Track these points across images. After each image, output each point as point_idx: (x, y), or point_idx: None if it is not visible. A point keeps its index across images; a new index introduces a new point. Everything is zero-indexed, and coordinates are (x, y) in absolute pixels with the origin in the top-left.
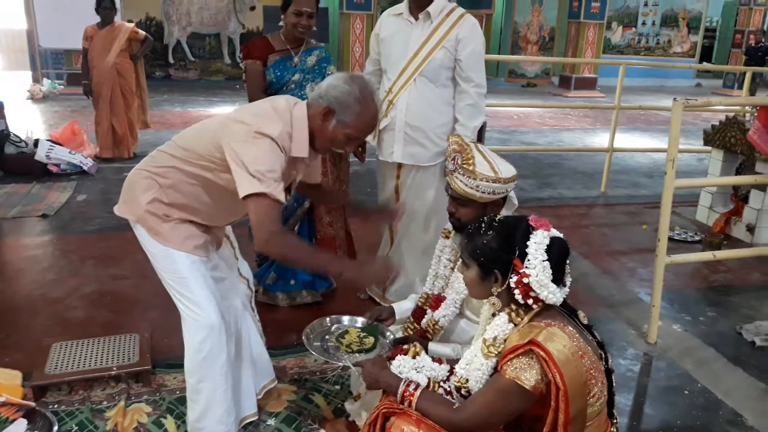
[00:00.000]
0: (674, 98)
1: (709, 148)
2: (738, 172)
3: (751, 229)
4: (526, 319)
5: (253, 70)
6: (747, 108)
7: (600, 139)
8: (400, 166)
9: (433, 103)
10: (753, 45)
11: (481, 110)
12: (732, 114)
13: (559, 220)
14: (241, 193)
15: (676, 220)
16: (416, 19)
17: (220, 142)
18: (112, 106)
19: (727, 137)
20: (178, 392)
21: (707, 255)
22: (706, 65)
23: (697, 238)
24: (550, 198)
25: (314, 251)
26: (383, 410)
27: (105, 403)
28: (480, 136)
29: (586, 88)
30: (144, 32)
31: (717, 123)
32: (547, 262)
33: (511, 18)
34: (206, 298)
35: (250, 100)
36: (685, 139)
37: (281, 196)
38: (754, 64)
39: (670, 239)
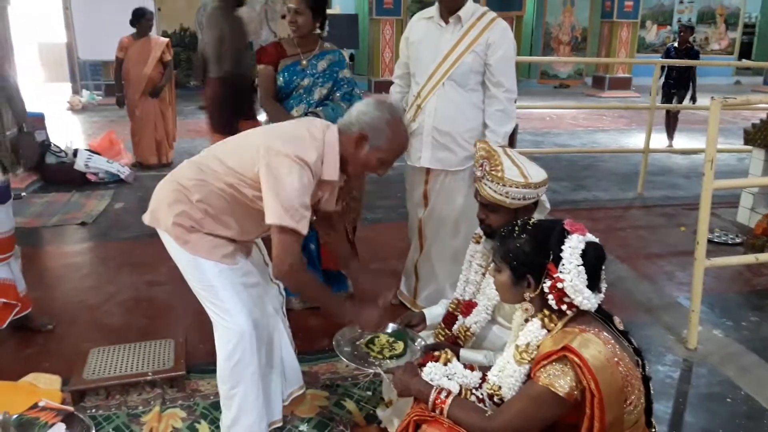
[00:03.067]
0: (712, 97)
1: (749, 147)
2: None
3: None
4: (559, 324)
5: (264, 75)
6: None
7: (635, 140)
8: (428, 171)
9: (461, 108)
10: (675, 45)
11: (512, 115)
12: None
13: (594, 223)
14: (269, 220)
15: (715, 221)
16: (446, 23)
17: (257, 165)
18: (149, 116)
19: None
20: (212, 397)
21: (749, 258)
22: (744, 62)
23: (738, 240)
24: (584, 200)
25: (327, 291)
26: (414, 417)
27: (141, 408)
28: (512, 140)
29: (620, 88)
30: (170, 57)
31: (758, 121)
32: (582, 267)
33: (543, 19)
34: (236, 306)
35: (261, 105)
36: (724, 139)
37: (305, 228)
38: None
39: (710, 241)
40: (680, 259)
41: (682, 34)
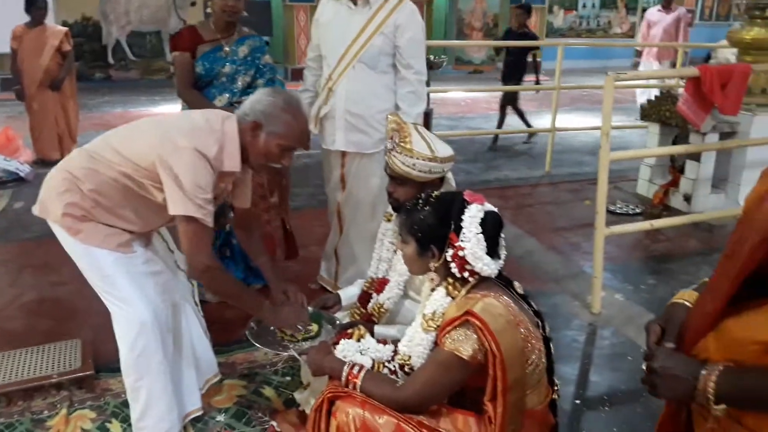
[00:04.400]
0: (606, 73)
1: (646, 123)
2: (674, 145)
3: (687, 198)
4: (463, 291)
5: (180, 63)
6: (680, 81)
7: (545, 121)
8: (344, 154)
9: (373, 90)
10: (513, 28)
11: (422, 97)
12: (666, 89)
13: (504, 201)
14: (172, 211)
15: (618, 194)
16: (355, 4)
17: (154, 155)
18: (47, 109)
19: (662, 111)
20: (123, 396)
21: (645, 225)
22: (640, 43)
23: (638, 210)
24: (496, 180)
25: (244, 291)
26: (328, 395)
27: (46, 412)
28: (426, 124)
29: (530, 72)
30: (70, 47)
31: (653, 98)
32: (481, 235)
33: (455, 5)
34: (134, 294)
35: (179, 95)
36: (626, 117)
37: (211, 221)
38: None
39: (613, 213)
40: (585, 230)
41: (517, 16)
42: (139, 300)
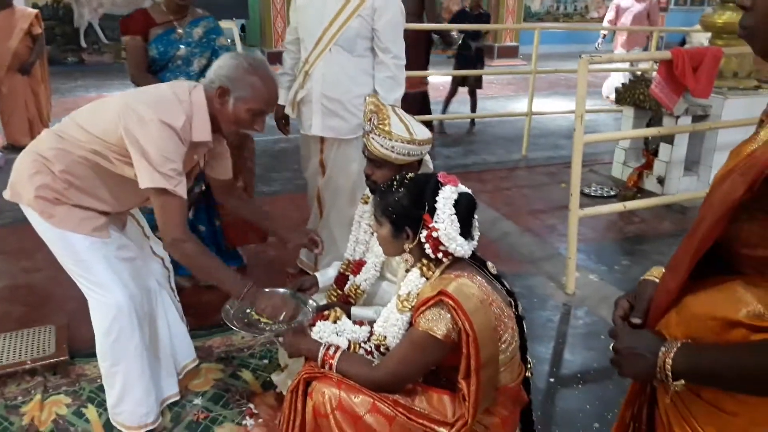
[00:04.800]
0: (580, 55)
1: (620, 107)
2: (648, 128)
3: (661, 181)
4: (437, 272)
5: (133, 47)
6: (654, 65)
7: (522, 105)
8: (323, 140)
9: (350, 74)
10: (467, 9)
11: (401, 82)
12: (640, 72)
13: (482, 184)
14: (143, 184)
15: (593, 177)
16: None
17: (120, 129)
18: (17, 94)
19: (636, 94)
20: (98, 381)
21: (618, 206)
22: (613, 27)
23: (612, 193)
24: (474, 164)
25: (221, 266)
26: (304, 375)
27: (20, 398)
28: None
29: (508, 57)
30: (40, 30)
31: (627, 82)
32: (454, 216)
33: None
34: (110, 279)
35: (132, 81)
36: (602, 101)
37: (183, 192)
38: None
39: (588, 195)
40: (561, 213)
41: None
42: (115, 285)
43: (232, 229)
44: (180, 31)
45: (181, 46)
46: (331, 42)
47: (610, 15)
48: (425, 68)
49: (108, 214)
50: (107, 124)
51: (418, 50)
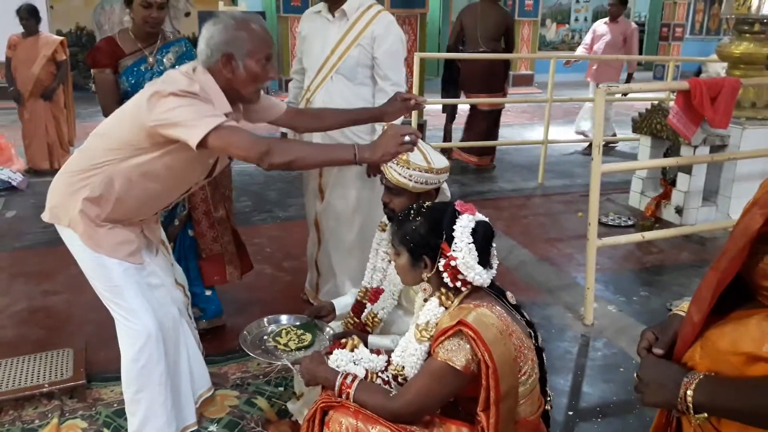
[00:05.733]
0: (597, 85)
1: (638, 136)
2: (665, 157)
3: (679, 211)
4: (456, 301)
5: (102, 81)
6: (671, 95)
7: (537, 134)
8: None
9: (350, 101)
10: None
11: None
12: (657, 101)
13: (498, 212)
14: (194, 141)
15: (610, 206)
16: (333, 16)
17: (143, 121)
18: (40, 119)
19: (653, 124)
20: (115, 405)
21: (636, 236)
22: (629, 56)
23: (630, 222)
24: (489, 191)
25: (316, 146)
26: (321, 404)
27: (37, 421)
28: (421, 135)
29: (523, 85)
30: (65, 57)
31: (644, 111)
32: (472, 245)
33: (449, 17)
34: (142, 306)
35: (105, 115)
36: (619, 129)
37: (232, 120)
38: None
39: (605, 225)
40: (578, 242)
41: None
42: (145, 312)
43: (210, 266)
44: (151, 60)
45: (154, 76)
46: (333, 70)
47: (587, 39)
48: (503, 90)
49: (143, 236)
50: (132, 124)
51: (497, 73)
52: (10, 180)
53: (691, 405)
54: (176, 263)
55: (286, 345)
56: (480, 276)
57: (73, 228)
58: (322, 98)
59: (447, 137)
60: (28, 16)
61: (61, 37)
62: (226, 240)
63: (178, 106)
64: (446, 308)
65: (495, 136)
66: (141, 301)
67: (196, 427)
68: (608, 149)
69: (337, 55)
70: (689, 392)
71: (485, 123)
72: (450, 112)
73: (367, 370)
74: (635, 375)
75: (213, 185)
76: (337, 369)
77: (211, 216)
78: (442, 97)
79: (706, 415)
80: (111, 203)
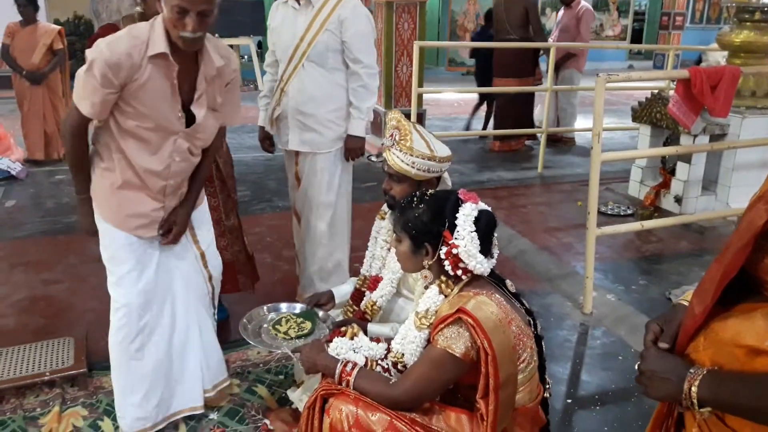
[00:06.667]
0: (597, 74)
1: (637, 125)
2: (665, 146)
3: (678, 200)
4: (456, 289)
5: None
6: (671, 84)
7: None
8: (298, 153)
9: (324, 88)
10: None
11: (373, 91)
12: (657, 90)
13: (497, 201)
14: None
15: (609, 195)
16: (299, 4)
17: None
18: (38, 108)
19: (653, 113)
20: None
21: (635, 225)
22: (630, 45)
23: (629, 211)
24: (489, 180)
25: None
26: (321, 392)
27: (39, 409)
28: (420, 124)
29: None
30: (62, 46)
31: (644, 100)
32: (475, 233)
33: (448, 7)
34: (128, 276)
35: None
36: (618, 119)
37: (85, 110)
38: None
39: (604, 214)
40: (577, 231)
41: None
42: (130, 284)
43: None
44: None
45: None
46: (303, 58)
47: (555, 30)
48: (533, 74)
49: (162, 213)
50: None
51: (526, 59)
52: (9, 169)
53: (695, 401)
54: (216, 250)
55: (286, 333)
56: (481, 265)
57: (93, 197)
58: (296, 86)
59: (486, 125)
60: (26, 3)
61: (59, 26)
62: (237, 249)
63: (81, 77)
64: (446, 296)
65: (530, 120)
66: (130, 270)
67: (200, 412)
68: (564, 143)
69: (306, 42)
70: (693, 388)
71: (514, 108)
72: (487, 100)
73: (366, 358)
74: (636, 367)
75: (225, 192)
76: (337, 357)
77: (223, 224)
78: (477, 86)
79: (709, 409)
80: (119, 169)
